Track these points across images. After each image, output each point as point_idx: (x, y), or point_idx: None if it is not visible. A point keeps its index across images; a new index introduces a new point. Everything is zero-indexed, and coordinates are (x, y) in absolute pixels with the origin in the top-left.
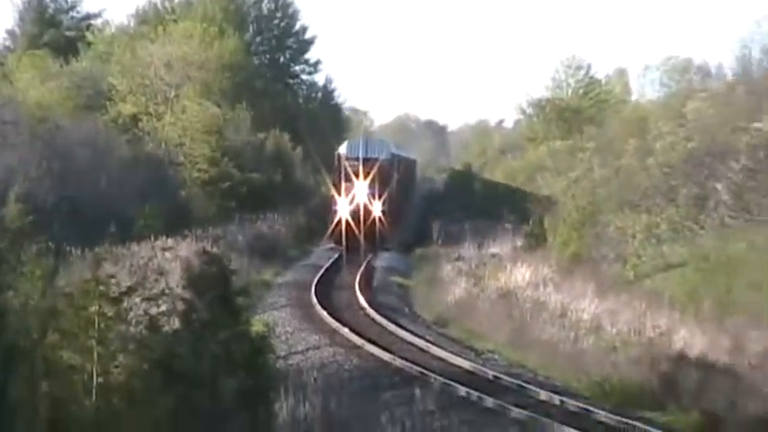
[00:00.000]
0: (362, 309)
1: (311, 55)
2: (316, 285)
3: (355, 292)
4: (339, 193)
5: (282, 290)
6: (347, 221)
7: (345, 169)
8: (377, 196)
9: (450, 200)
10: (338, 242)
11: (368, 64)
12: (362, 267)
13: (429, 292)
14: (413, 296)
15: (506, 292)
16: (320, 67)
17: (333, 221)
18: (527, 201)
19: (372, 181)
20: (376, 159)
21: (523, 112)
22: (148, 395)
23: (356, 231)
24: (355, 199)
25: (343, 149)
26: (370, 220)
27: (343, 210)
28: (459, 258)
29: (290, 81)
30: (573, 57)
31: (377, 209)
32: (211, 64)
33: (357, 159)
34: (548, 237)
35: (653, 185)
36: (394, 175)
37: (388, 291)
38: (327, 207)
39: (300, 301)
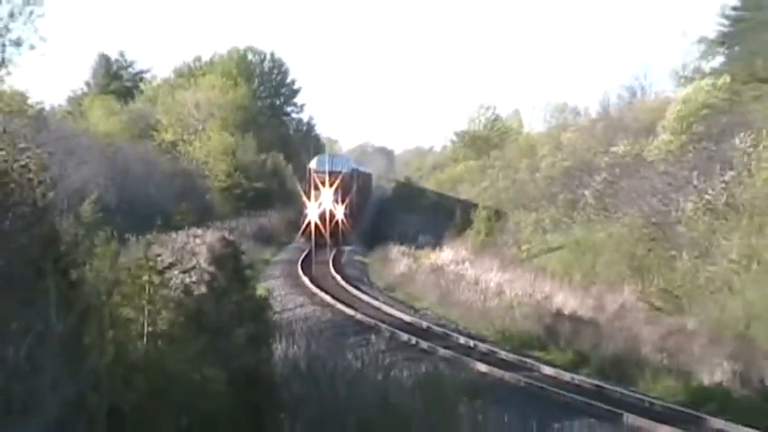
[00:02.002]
0: (334, 278)
1: (298, 99)
2: (301, 262)
3: (329, 267)
4: (309, 200)
5: (277, 265)
6: (315, 223)
7: (314, 180)
8: (340, 202)
9: (396, 203)
10: (308, 239)
11: (339, 105)
12: (334, 250)
13: (381, 267)
14: (370, 270)
15: (436, 267)
16: (304, 108)
17: (304, 222)
18: (451, 203)
19: (336, 190)
20: (339, 172)
21: (448, 139)
22: (183, 340)
23: (323, 231)
24: (322, 204)
25: (312, 164)
26: (335, 221)
27: (312, 213)
28: (402, 244)
29: (284, 118)
30: (483, 101)
31: (340, 212)
32: (228, 105)
33: (324, 172)
34: (466, 228)
35: (539, 192)
36: (354, 185)
37: (352, 266)
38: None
39: (290, 273)
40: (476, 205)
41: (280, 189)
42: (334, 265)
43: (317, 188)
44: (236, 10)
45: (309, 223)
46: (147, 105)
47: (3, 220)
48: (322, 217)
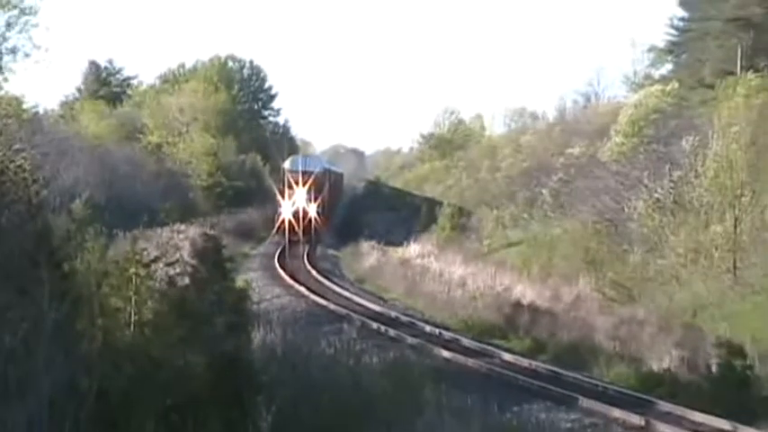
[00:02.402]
0: (309, 271)
1: (275, 104)
2: (278, 256)
3: (304, 260)
4: (283, 198)
5: (256, 259)
6: (289, 221)
7: (288, 179)
8: (313, 200)
9: (367, 201)
10: (283, 236)
11: (313, 108)
12: (308, 246)
13: (352, 260)
14: (342, 263)
15: (404, 260)
16: (281, 112)
17: (278, 220)
18: (418, 200)
19: (309, 189)
20: (312, 172)
21: (415, 141)
22: (168, 328)
23: (296, 228)
24: (296, 203)
25: (286, 164)
26: (308, 219)
27: (286, 211)
28: (372, 239)
29: (261, 121)
30: (447, 105)
31: (313, 210)
32: (210, 110)
33: (297, 172)
34: (431, 224)
35: (500, 191)
36: (326, 184)
37: (325, 259)
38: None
39: (268, 266)
40: (441, 203)
41: (258, 188)
42: (308, 259)
43: (290, 187)
44: (216, 16)
45: (284, 221)
46: (134, 109)
47: (1, 216)
48: (296, 215)
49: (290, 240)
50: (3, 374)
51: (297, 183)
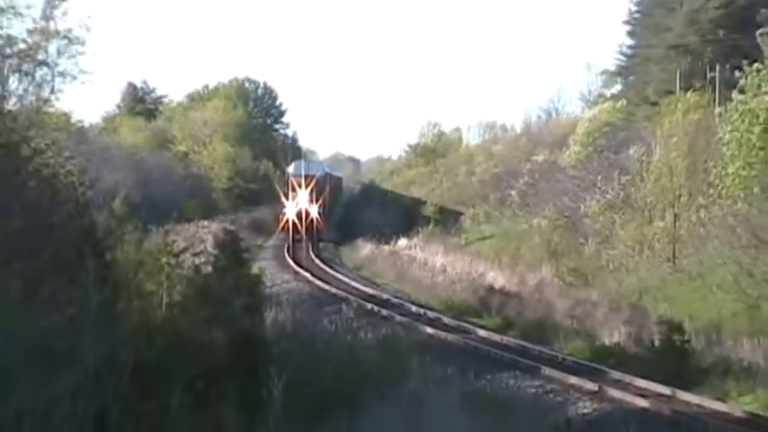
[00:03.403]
0: (313, 260)
1: (285, 119)
2: (287, 248)
3: (309, 251)
4: (287, 199)
5: (268, 250)
6: (293, 220)
7: (292, 182)
8: (314, 202)
9: (362, 200)
10: (287, 234)
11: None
12: (313, 239)
13: (350, 251)
14: (342, 254)
15: (393, 251)
16: (290, 125)
17: (282, 220)
18: (405, 200)
19: (311, 191)
20: (314, 176)
21: (403, 150)
22: (193, 308)
23: (299, 227)
24: (299, 204)
25: (290, 168)
26: (310, 218)
27: (290, 211)
28: (367, 234)
29: (273, 133)
30: (431, 118)
31: (314, 211)
32: (229, 123)
33: (300, 175)
34: (417, 221)
35: (475, 192)
36: (326, 187)
37: (327, 251)
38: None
39: (278, 256)
40: (425, 202)
41: (269, 190)
42: (313, 250)
43: (294, 189)
44: (234, 42)
45: (288, 220)
46: (165, 123)
47: (53, 214)
48: (299, 215)
49: (293, 238)
50: (54, 349)
51: (300, 185)
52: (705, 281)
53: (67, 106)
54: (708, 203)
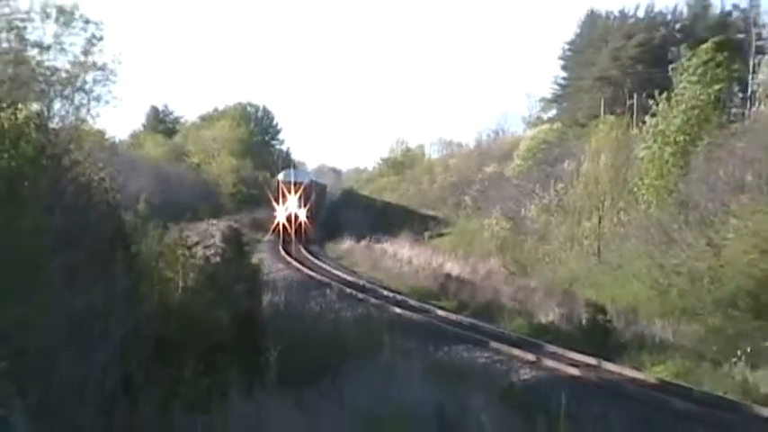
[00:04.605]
0: (302, 253)
1: (280, 136)
2: (281, 242)
3: (300, 246)
4: (278, 204)
5: (265, 244)
6: (283, 223)
7: (282, 189)
8: (302, 206)
9: (343, 204)
10: (277, 236)
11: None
12: (302, 239)
13: (333, 245)
14: (326, 248)
15: (368, 245)
16: (284, 141)
17: (273, 223)
18: (378, 204)
19: (299, 197)
20: (302, 183)
21: (377, 162)
22: (204, 292)
23: (289, 229)
24: (288, 208)
25: (280, 176)
26: (298, 222)
27: (280, 215)
28: (346, 231)
29: (270, 148)
30: (399, 136)
31: (302, 215)
32: (234, 140)
33: (290, 183)
34: (388, 221)
35: (435, 197)
36: (313, 193)
37: (314, 245)
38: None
39: (273, 249)
40: (394, 205)
41: (266, 195)
42: (302, 245)
43: (284, 195)
44: (237, 68)
45: (278, 224)
46: (181, 139)
47: (89, 214)
48: (288, 218)
49: (283, 240)
50: (89, 327)
51: (289, 191)
52: (624, 271)
53: (101, 125)
54: (627, 207)
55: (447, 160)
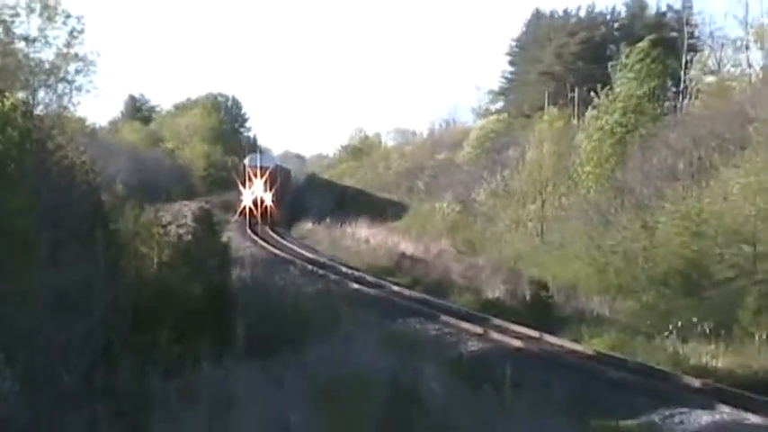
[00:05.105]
0: (268, 233)
1: (248, 124)
2: (248, 223)
3: (266, 226)
4: (244, 188)
5: (234, 225)
6: (249, 207)
7: (248, 173)
8: (268, 190)
9: (306, 188)
10: (244, 219)
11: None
12: (268, 221)
13: (298, 226)
14: (291, 229)
15: (328, 226)
16: (252, 129)
17: (240, 206)
18: (338, 188)
19: (265, 181)
20: (267, 167)
21: (337, 149)
22: (178, 267)
23: (255, 212)
24: (254, 192)
25: (246, 161)
26: (264, 205)
27: (246, 199)
28: (309, 213)
29: (239, 135)
30: (358, 125)
31: (268, 198)
32: (205, 127)
33: (256, 167)
34: (347, 204)
35: (391, 182)
36: (278, 178)
37: (279, 226)
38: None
39: (241, 229)
40: (353, 189)
41: (235, 179)
42: (268, 226)
43: (250, 179)
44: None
45: (245, 207)
46: (157, 126)
47: (71, 194)
48: (254, 202)
49: (249, 223)
50: (71, 296)
51: (255, 176)
52: (565, 251)
53: (82, 113)
54: (568, 192)
55: (402, 148)
